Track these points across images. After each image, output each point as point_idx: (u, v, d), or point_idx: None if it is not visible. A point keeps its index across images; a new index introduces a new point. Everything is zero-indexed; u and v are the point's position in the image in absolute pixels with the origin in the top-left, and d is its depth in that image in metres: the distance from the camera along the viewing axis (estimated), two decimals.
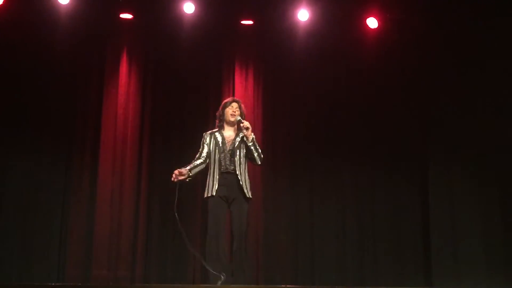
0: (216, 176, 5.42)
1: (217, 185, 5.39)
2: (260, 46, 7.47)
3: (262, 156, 5.53)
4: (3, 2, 6.87)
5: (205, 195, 5.44)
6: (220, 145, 5.49)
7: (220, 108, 5.62)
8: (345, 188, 7.28)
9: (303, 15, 7.16)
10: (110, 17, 7.25)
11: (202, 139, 5.60)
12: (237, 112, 5.54)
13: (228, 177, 5.41)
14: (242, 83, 7.35)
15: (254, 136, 5.49)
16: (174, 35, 7.24)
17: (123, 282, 6.73)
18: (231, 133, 5.55)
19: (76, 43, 7.14)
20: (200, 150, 5.57)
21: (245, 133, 5.42)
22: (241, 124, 5.46)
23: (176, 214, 5.30)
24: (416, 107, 7.24)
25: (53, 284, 6.32)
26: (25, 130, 7.02)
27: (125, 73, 7.24)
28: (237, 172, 5.40)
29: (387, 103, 7.31)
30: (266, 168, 7.12)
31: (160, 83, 7.39)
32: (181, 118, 7.30)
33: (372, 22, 7.23)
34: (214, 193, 5.36)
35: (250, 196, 5.45)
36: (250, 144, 5.43)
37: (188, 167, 5.41)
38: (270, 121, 7.37)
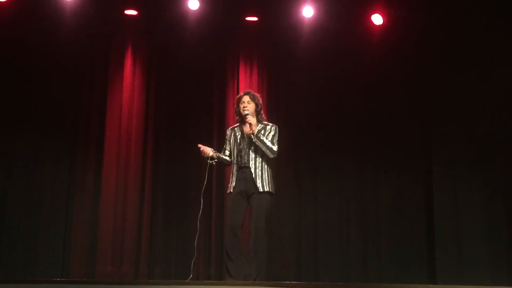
0: (235, 172, 5.49)
1: (235, 181, 5.45)
2: (265, 43, 7.45)
3: (273, 148, 5.46)
4: None
5: (228, 191, 5.55)
6: (238, 140, 5.53)
7: (236, 105, 5.65)
8: (348, 185, 7.28)
9: (307, 11, 7.14)
10: (115, 13, 7.24)
11: (226, 136, 5.70)
12: (249, 106, 5.52)
13: (246, 171, 5.43)
14: (247, 80, 7.35)
15: (257, 129, 5.43)
16: (179, 31, 7.23)
17: (127, 278, 6.74)
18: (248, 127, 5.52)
19: (81, 39, 7.14)
20: (224, 146, 5.67)
21: (251, 128, 5.42)
22: (246, 120, 5.47)
23: (201, 197, 5.55)
24: (420, 103, 7.23)
25: (58, 279, 6.34)
26: (29, 126, 7.04)
27: (129, 69, 7.24)
28: (251, 166, 5.41)
29: (392, 99, 7.29)
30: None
31: (165, 79, 7.39)
32: (186, 114, 7.30)
33: (377, 19, 7.20)
34: (231, 190, 5.45)
35: (268, 190, 5.40)
36: (254, 140, 5.40)
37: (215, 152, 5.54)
38: (274, 117, 7.33)
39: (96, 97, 7.20)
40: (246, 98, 5.57)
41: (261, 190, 5.37)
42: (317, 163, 7.31)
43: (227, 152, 5.63)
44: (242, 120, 5.56)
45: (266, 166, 5.46)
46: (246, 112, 5.49)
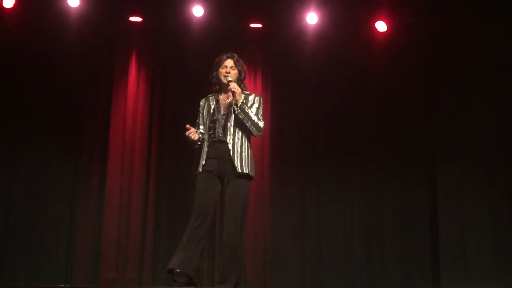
0: (206, 148, 4.68)
1: (205, 158, 4.65)
2: (269, 50, 7.47)
3: (260, 124, 4.67)
4: (13, 4, 6.91)
5: (196, 171, 4.74)
6: (212, 111, 4.74)
7: (213, 69, 4.88)
8: (353, 191, 7.27)
9: (311, 18, 7.15)
10: (120, 20, 7.26)
11: (199, 107, 4.95)
12: (232, 72, 4.77)
13: (220, 148, 4.61)
14: (251, 86, 7.31)
15: (244, 101, 4.66)
16: (183, 38, 7.25)
17: (131, 284, 6.73)
18: (228, 96, 4.78)
19: (85, 46, 7.16)
20: (197, 120, 4.93)
21: (235, 98, 4.60)
22: (229, 87, 4.67)
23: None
24: (424, 109, 7.24)
25: (62, 286, 6.35)
26: (33, 133, 7.05)
27: (134, 76, 7.26)
28: (228, 140, 4.59)
29: (395, 105, 7.30)
30: (274, 170, 7.15)
31: (169, 86, 7.39)
32: (190, 120, 7.29)
33: (381, 26, 7.21)
34: (200, 169, 4.67)
35: (247, 172, 4.58)
36: (238, 112, 4.59)
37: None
38: (278, 123, 7.37)
39: (101, 103, 7.22)
40: (229, 62, 4.80)
41: (239, 171, 4.54)
42: (321, 169, 7.30)
43: (201, 127, 4.83)
44: (221, 88, 4.83)
45: (246, 143, 4.66)
46: (229, 79, 4.69)
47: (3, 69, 7.01)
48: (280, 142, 7.33)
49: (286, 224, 7.15)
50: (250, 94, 4.82)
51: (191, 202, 4.73)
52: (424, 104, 7.25)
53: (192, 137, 4.67)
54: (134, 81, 7.25)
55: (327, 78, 7.34)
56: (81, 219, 6.96)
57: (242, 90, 4.78)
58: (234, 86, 4.64)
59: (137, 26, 7.34)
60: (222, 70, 4.79)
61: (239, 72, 4.82)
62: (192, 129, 4.71)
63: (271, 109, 7.36)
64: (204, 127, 4.80)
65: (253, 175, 4.67)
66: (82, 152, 7.12)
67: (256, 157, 6.99)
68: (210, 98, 4.88)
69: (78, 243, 6.89)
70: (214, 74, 4.85)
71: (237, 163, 4.55)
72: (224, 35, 7.36)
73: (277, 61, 7.48)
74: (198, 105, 4.99)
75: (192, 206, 4.67)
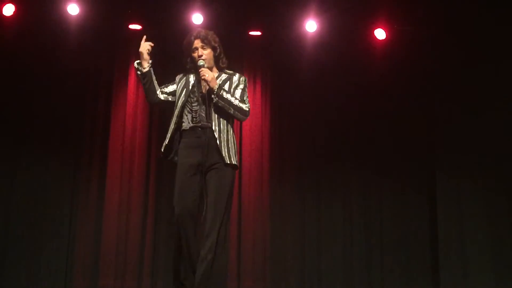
0: (173, 126, 4.14)
1: (167, 141, 4.15)
2: (268, 57, 7.50)
3: (244, 107, 4.12)
4: (13, 12, 6.92)
5: (169, 157, 4.19)
6: (190, 87, 4.12)
7: (185, 55, 4.31)
8: (352, 199, 7.29)
9: (311, 26, 7.17)
10: (119, 27, 7.28)
11: (175, 79, 4.40)
12: (205, 52, 4.18)
13: (203, 135, 4.04)
14: (250, 94, 7.36)
15: (218, 86, 4.07)
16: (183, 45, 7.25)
17: None
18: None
19: (85, 53, 7.18)
20: (166, 84, 4.38)
21: (209, 85, 4.02)
22: (200, 74, 4.08)
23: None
24: (424, 118, 7.26)
25: None
26: (32, 139, 7.05)
27: (133, 83, 7.27)
28: (213, 127, 4.05)
29: (395, 114, 7.33)
30: (273, 178, 7.15)
31: None
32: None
33: (380, 33, 7.24)
34: (162, 149, 4.19)
35: (235, 163, 4.09)
36: (216, 100, 4.01)
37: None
38: (277, 131, 7.39)
39: (101, 110, 7.22)
40: (198, 43, 4.16)
41: (228, 162, 4.03)
42: (321, 175, 7.31)
43: (165, 89, 4.28)
44: (198, 70, 4.17)
45: (231, 130, 4.14)
46: (201, 63, 4.10)
47: (3, 75, 7.01)
48: (280, 147, 7.34)
49: (286, 232, 7.14)
50: (234, 74, 4.30)
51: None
52: (423, 109, 7.27)
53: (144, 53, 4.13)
54: (133, 88, 7.26)
55: (326, 85, 7.37)
56: (80, 227, 6.94)
57: (222, 69, 4.30)
58: (204, 73, 4.05)
59: (137, 33, 7.34)
60: (195, 55, 4.21)
61: (213, 49, 4.23)
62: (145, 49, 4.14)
63: (271, 115, 7.38)
64: (176, 103, 4.23)
65: (238, 165, 4.22)
66: (81, 161, 7.11)
67: (256, 161, 7.07)
68: (190, 75, 4.28)
69: (77, 251, 6.88)
70: (188, 60, 4.30)
71: (224, 153, 4.03)
72: (223, 42, 7.33)
73: (276, 68, 7.50)
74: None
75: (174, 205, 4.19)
